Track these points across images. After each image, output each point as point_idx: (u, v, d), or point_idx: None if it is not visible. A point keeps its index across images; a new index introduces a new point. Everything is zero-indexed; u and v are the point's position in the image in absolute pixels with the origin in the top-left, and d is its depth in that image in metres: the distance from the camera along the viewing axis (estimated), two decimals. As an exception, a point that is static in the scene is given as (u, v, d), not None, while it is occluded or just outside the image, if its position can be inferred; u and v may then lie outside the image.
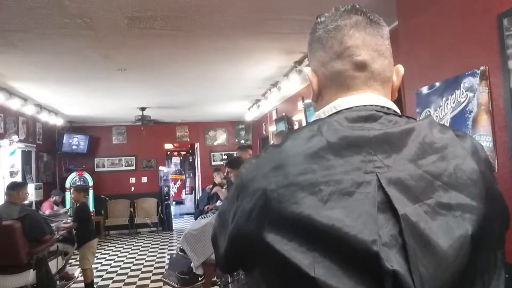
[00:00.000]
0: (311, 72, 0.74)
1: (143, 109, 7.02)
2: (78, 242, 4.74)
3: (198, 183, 10.72)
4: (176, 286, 4.68)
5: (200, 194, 9.26)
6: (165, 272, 5.50)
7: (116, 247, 7.58)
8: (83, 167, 8.54)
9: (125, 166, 9.22)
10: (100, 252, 6.99)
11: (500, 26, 1.68)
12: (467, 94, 1.89)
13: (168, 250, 7.06)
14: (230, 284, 4.16)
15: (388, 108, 0.66)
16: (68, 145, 8.28)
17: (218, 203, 5.39)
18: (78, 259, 4.91)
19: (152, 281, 5.25)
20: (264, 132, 8.42)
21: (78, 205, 4.84)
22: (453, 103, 1.98)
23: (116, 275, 5.65)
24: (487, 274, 0.58)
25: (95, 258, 5.25)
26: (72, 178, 8.25)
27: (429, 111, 2.18)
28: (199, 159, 10.30)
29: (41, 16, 2.82)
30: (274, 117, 7.22)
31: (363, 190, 0.55)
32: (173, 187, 11.63)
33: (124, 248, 7.46)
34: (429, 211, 0.55)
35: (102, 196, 8.69)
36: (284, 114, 6.51)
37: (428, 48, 2.23)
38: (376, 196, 0.55)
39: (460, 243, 0.53)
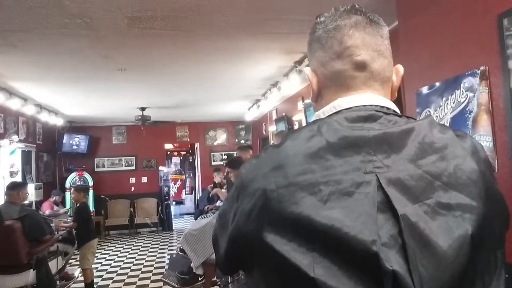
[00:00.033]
0: (310, 72, 0.74)
1: (143, 109, 7.02)
2: (78, 242, 4.74)
3: (198, 183, 10.73)
4: (176, 286, 4.68)
5: (200, 194, 9.27)
6: (165, 272, 5.50)
7: (116, 247, 7.58)
8: (83, 167, 8.55)
9: (125, 166, 9.22)
10: (100, 252, 6.99)
11: (500, 26, 1.67)
12: (467, 94, 1.89)
13: (168, 250, 7.06)
14: (230, 284, 4.16)
15: (388, 108, 0.66)
16: (68, 145, 8.29)
17: (218, 203, 5.39)
18: (78, 259, 4.91)
19: (152, 281, 5.25)
20: (264, 132, 8.42)
21: (78, 205, 4.84)
22: (453, 103, 1.98)
23: (116, 275, 5.65)
24: (487, 274, 0.58)
25: (95, 258, 5.25)
26: (72, 178, 8.25)
27: (429, 111, 2.18)
28: (199, 159, 10.30)
29: (41, 16, 2.82)
30: (274, 117, 7.22)
31: (362, 190, 0.55)
32: (173, 187, 11.64)
33: (124, 248, 7.46)
34: (429, 211, 0.55)
35: (102, 196, 8.69)
36: (284, 114, 6.51)
37: (428, 48, 2.23)
38: (375, 196, 0.55)
39: (460, 243, 0.53)
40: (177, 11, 2.84)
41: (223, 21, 3.07)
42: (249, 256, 0.61)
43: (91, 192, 8.25)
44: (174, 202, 11.49)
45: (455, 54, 1.99)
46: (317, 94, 0.73)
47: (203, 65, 4.40)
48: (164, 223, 9.12)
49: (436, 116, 2.09)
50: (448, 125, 1.92)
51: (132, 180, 9.20)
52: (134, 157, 9.24)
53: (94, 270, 5.08)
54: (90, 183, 8.38)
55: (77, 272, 5.26)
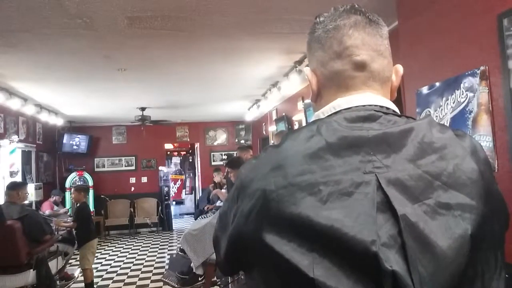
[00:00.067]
0: (310, 72, 0.73)
1: (143, 109, 7.02)
2: (78, 242, 4.74)
3: (198, 183, 10.73)
4: (176, 286, 4.67)
5: (200, 194, 9.27)
6: (165, 272, 5.49)
7: (116, 247, 7.58)
8: (83, 167, 8.55)
9: (125, 166, 9.22)
10: (100, 252, 6.99)
11: (500, 26, 1.67)
12: (467, 94, 1.89)
13: (168, 250, 7.06)
14: (230, 284, 4.16)
15: (387, 108, 0.66)
16: (68, 145, 8.29)
17: (219, 203, 5.39)
18: (78, 259, 4.90)
19: (152, 281, 5.25)
20: (264, 132, 8.42)
21: (78, 205, 4.84)
22: (453, 103, 1.98)
23: (116, 275, 5.65)
24: (487, 274, 0.58)
25: (95, 258, 5.25)
26: (72, 178, 8.25)
27: (429, 111, 2.18)
28: (199, 159, 10.30)
29: (41, 16, 2.82)
30: (274, 117, 7.22)
31: (362, 190, 0.55)
32: (173, 187, 11.64)
33: (124, 248, 7.46)
34: (429, 211, 0.55)
35: (102, 196, 8.69)
36: (284, 114, 6.51)
37: (428, 48, 2.23)
38: (375, 196, 0.54)
39: (459, 243, 0.53)
40: (177, 11, 2.84)
41: (223, 21, 3.07)
42: (249, 256, 0.60)
43: (91, 192, 8.26)
44: (174, 202, 11.48)
45: (455, 54, 1.99)
46: (316, 94, 0.73)
47: (203, 65, 4.40)
48: (164, 223, 9.12)
49: (436, 116, 2.09)
50: (448, 125, 1.92)
51: (132, 180, 9.20)
52: (134, 157, 9.25)
53: (94, 270, 5.08)
54: (90, 183, 8.38)
55: (77, 272, 5.26)
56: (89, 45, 3.53)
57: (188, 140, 9.88)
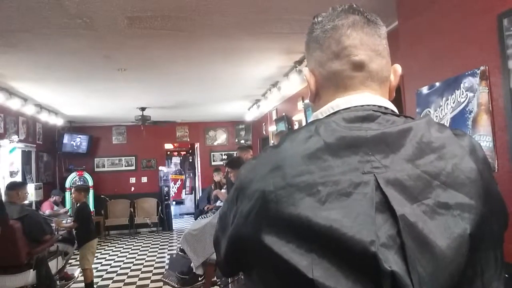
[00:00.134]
0: (308, 73, 0.73)
1: (143, 109, 7.02)
2: (78, 242, 4.74)
3: (198, 183, 10.73)
4: (176, 286, 4.67)
5: (200, 194, 9.27)
6: (165, 272, 5.49)
7: (116, 247, 7.58)
8: (83, 167, 8.55)
9: (125, 166, 9.22)
10: (100, 252, 6.99)
11: (500, 26, 1.67)
12: (467, 94, 1.89)
13: (168, 250, 7.06)
14: (230, 284, 4.16)
15: (386, 108, 0.66)
16: (68, 145, 8.29)
17: (219, 203, 5.39)
18: (78, 259, 4.90)
19: (152, 281, 5.25)
20: (264, 132, 8.42)
21: (78, 205, 4.84)
22: (453, 103, 1.98)
23: (116, 275, 5.65)
24: (487, 274, 0.57)
25: (95, 258, 5.25)
26: (72, 178, 8.25)
27: (429, 111, 2.18)
28: (199, 159, 10.30)
29: (41, 16, 2.82)
30: (274, 117, 7.22)
31: (361, 190, 0.55)
32: (173, 187, 11.64)
33: (124, 248, 7.46)
34: (428, 211, 0.54)
35: (102, 196, 8.69)
36: (284, 114, 6.51)
37: (428, 48, 2.22)
38: (374, 196, 0.54)
39: (458, 243, 0.53)
40: (177, 11, 2.84)
41: (223, 21, 3.07)
42: (248, 257, 0.60)
43: (91, 192, 8.25)
44: (174, 202, 11.49)
45: (455, 54, 1.99)
46: (315, 94, 0.73)
47: (203, 65, 4.40)
48: (164, 223, 9.12)
49: (436, 116, 2.09)
50: (448, 125, 1.92)
51: (132, 180, 9.20)
52: (134, 157, 9.25)
53: (94, 270, 5.08)
54: (90, 183, 8.38)
55: (77, 272, 5.26)
56: (89, 45, 3.53)
57: (188, 140, 9.88)
